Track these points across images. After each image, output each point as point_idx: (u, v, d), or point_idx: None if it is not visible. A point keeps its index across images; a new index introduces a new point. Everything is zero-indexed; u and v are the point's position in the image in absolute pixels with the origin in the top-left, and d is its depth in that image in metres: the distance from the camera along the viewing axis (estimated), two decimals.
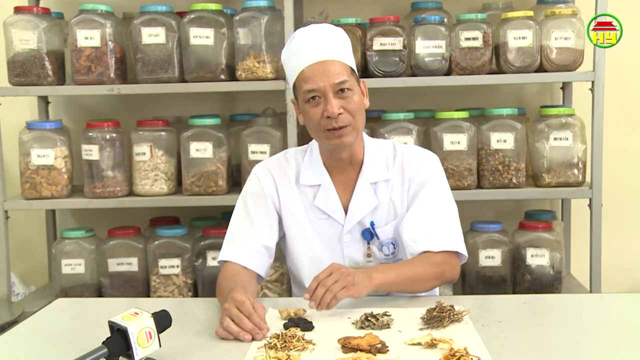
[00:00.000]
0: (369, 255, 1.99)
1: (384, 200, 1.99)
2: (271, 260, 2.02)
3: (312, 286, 1.70)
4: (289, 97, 2.68)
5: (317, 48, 1.89)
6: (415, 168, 2.00)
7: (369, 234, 1.99)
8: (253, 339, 1.57)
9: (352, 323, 1.66)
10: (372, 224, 1.98)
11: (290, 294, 2.73)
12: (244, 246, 1.97)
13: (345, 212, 1.99)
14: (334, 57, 1.89)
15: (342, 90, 1.87)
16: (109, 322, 1.41)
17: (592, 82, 2.66)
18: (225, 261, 1.97)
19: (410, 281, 1.84)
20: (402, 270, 1.84)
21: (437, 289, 2.16)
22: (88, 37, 2.72)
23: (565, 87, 3.03)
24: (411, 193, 1.99)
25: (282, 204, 2.02)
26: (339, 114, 1.86)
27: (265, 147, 2.74)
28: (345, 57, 1.92)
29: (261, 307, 1.65)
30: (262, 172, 2.05)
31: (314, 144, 2.04)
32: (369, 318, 1.64)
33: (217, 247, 2.71)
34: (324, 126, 1.89)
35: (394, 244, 2.00)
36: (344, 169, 2.00)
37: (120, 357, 1.39)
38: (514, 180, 2.71)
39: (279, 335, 1.56)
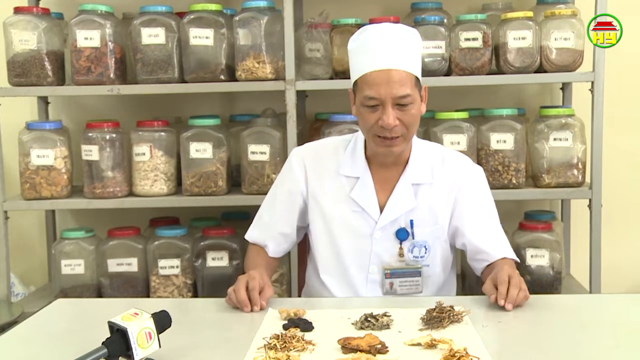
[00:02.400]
0: (400, 255, 1.99)
1: (424, 203, 1.99)
2: (288, 245, 2.13)
3: (503, 290, 1.74)
4: (288, 98, 2.68)
5: (386, 53, 1.85)
6: (465, 178, 2.03)
7: (404, 233, 1.99)
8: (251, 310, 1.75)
9: (352, 323, 1.66)
10: (411, 222, 1.98)
11: (289, 295, 2.74)
12: (264, 231, 2.12)
13: (380, 209, 1.99)
14: (401, 67, 1.85)
15: (402, 103, 1.86)
16: (109, 322, 1.41)
17: (592, 83, 2.66)
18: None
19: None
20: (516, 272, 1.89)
21: (454, 293, 2.17)
22: (88, 38, 2.72)
23: (565, 87, 3.03)
24: (463, 203, 2.01)
25: (310, 194, 2.05)
26: (394, 125, 1.86)
27: (265, 148, 2.74)
28: (412, 66, 1.88)
29: (270, 290, 1.80)
30: (295, 158, 2.10)
31: (359, 136, 2.05)
32: (369, 318, 1.64)
33: (217, 247, 2.74)
34: (375, 132, 1.89)
35: (426, 248, 2.00)
36: (387, 166, 2.01)
37: (120, 358, 1.39)
38: (514, 181, 2.71)
39: (278, 335, 1.56)
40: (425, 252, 2.00)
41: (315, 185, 2.04)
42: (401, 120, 1.86)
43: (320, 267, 2.06)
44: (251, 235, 2.15)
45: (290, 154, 2.14)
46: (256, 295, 1.75)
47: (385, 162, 2.00)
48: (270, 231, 2.10)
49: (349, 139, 2.09)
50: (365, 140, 2.02)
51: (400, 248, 1.99)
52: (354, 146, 2.05)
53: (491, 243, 2.02)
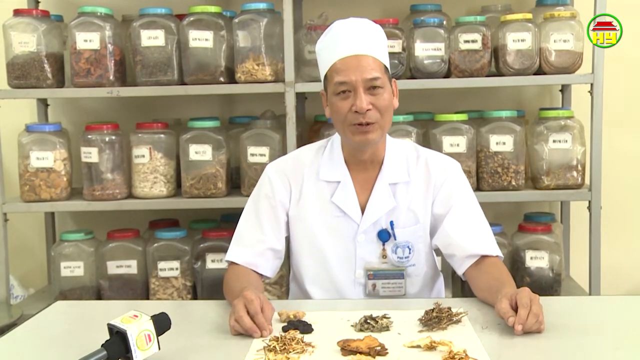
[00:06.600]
0: (384, 257, 1.98)
1: (403, 202, 1.98)
2: (279, 262, 2.04)
3: (524, 315, 1.57)
4: (288, 100, 2.69)
5: (353, 41, 1.88)
6: (442, 175, 1.99)
7: (386, 235, 1.97)
8: (261, 335, 1.60)
9: (352, 325, 1.66)
10: (391, 223, 1.96)
11: (289, 296, 2.73)
12: (252, 249, 1.99)
13: (362, 211, 1.97)
14: (369, 52, 1.87)
15: (373, 86, 1.85)
16: (108, 324, 1.41)
17: (591, 85, 2.66)
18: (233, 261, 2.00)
19: None
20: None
21: (443, 291, 2.16)
22: (87, 40, 2.73)
23: (565, 89, 3.04)
24: (440, 201, 1.97)
25: (292, 203, 2.01)
26: (368, 109, 1.84)
27: (265, 150, 2.74)
28: (380, 54, 1.90)
29: (270, 308, 1.67)
30: (274, 172, 2.03)
31: (335, 140, 2.02)
32: (368, 320, 1.64)
33: (217, 249, 2.74)
34: (350, 121, 1.87)
35: (409, 248, 1.98)
36: (364, 167, 1.98)
37: None
38: (513, 183, 2.71)
39: (278, 337, 1.56)
40: (410, 253, 1.98)
41: (297, 195, 2.00)
42: (374, 105, 1.86)
43: (305, 277, 2.03)
44: (236, 255, 1.99)
45: (266, 169, 2.06)
46: (262, 320, 1.61)
47: (363, 162, 1.97)
48: (259, 248, 1.99)
49: (324, 144, 2.06)
50: (342, 144, 2.00)
51: (384, 249, 1.98)
52: (330, 150, 2.02)
53: (466, 237, 1.94)
